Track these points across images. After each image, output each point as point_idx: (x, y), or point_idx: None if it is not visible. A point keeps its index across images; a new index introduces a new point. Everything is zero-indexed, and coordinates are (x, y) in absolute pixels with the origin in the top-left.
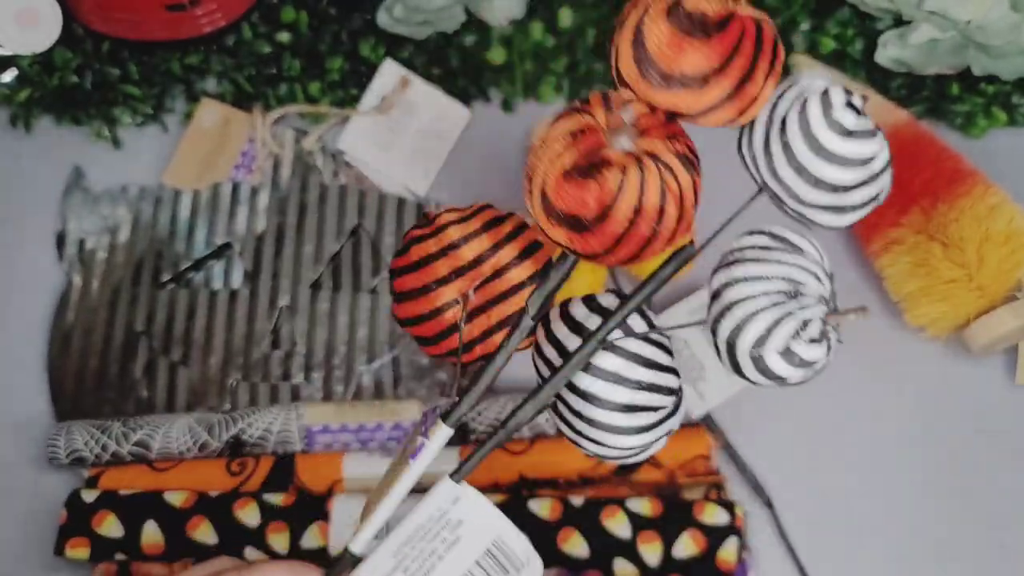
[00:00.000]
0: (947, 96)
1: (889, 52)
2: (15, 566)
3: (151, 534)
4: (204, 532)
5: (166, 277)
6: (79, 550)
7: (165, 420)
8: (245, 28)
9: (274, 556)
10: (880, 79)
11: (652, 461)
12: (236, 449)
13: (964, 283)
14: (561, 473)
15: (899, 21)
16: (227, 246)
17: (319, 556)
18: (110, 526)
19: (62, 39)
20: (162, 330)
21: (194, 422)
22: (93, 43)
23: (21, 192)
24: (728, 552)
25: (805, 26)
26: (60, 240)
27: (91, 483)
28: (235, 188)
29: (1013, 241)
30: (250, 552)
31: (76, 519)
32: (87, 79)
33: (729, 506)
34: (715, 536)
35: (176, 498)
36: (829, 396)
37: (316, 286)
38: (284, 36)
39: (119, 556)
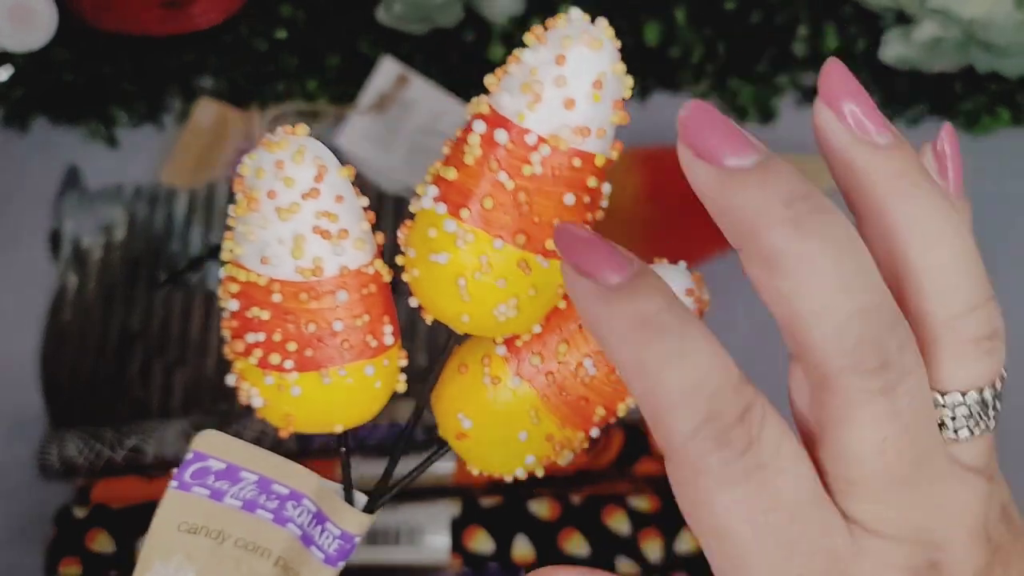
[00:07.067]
0: (951, 94)
1: (892, 50)
2: (10, 571)
3: None
4: None
5: (162, 277)
6: (71, 568)
7: (158, 426)
8: (242, 25)
9: None
10: (883, 77)
11: (648, 452)
12: None
13: None
14: (558, 468)
15: (902, 19)
16: None
17: None
18: (103, 542)
19: (57, 37)
20: (158, 330)
21: (188, 426)
22: (88, 40)
23: (16, 191)
24: None
25: (807, 24)
26: (55, 239)
27: (82, 494)
28: (232, 186)
29: None
30: None
31: (67, 536)
32: (82, 77)
33: None
34: None
35: None
36: None
37: None
38: (281, 33)
39: (112, 573)
